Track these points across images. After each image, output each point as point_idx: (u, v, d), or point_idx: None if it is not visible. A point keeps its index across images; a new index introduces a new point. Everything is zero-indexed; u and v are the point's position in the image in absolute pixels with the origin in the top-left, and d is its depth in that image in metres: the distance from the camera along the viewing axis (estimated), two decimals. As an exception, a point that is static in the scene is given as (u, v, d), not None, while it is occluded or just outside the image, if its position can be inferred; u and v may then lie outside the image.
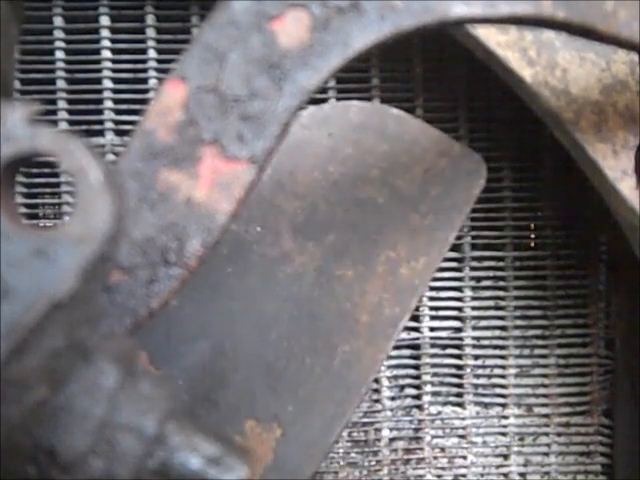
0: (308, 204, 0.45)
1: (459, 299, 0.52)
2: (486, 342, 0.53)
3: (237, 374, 0.43)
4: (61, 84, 0.50)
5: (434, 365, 0.53)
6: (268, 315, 0.44)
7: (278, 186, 0.45)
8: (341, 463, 0.53)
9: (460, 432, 0.53)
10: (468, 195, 0.45)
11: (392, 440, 0.53)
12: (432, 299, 0.52)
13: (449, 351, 0.53)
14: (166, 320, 0.43)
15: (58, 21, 0.49)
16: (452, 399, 0.53)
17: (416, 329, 0.52)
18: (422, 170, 0.45)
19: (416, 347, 0.52)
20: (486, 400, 0.53)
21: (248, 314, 0.44)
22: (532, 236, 0.53)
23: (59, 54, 0.49)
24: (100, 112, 0.50)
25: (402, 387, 0.53)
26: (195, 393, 0.43)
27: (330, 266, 0.44)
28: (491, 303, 0.53)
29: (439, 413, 0.53)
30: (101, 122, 0.50)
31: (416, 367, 0.53)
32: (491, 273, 0.52)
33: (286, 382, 0.43)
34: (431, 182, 0.45)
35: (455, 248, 0.52)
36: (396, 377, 0.53)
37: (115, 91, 0.50)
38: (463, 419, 0.53)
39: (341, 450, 0.52)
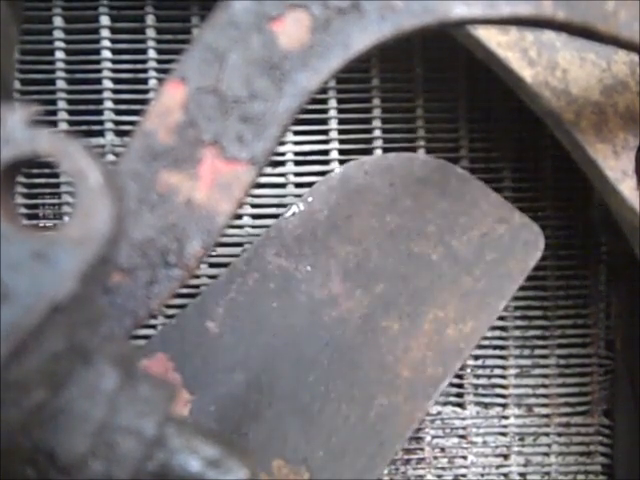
0: (361, 250, 0.44)
1: (459, 299, 0.52)
2: (486, 342, 0.53)
3: (270, 410, 0.42)
4: (61, 84, 0.50)
5: (434, 365, 0.53)
6: (308, 356, 0.43)
7: (333, 228, 0.44)
8: (341, 463, 0.53)
9: (460, 432, 0.53)
10: (523, 265, 0.45)
11: (392, 440, 0.53)
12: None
13: (449, 351, 0.53)
14: (205, 346, 0.43)
15: (58, 21, 0.49)
16: (452, 399, 0.53)
17: (416, 329, 0.52)
18: (479, 233, 0.45)
19: (416, 347, 0.52)
20: (486, 400, 0.53)
21: (288, 352, 0.43)
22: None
23: (59, 54, 0.49)
24: (100, 112, 0.50)
25: (402, 387, 0.53)
26: (225, 423, 0.42)
27: (376, 316, 0.44)
28: (491, 303, 0.53)
29: (439, 413, 0.53)
30: (101, 122, 0.50)
31: (416, 367, 0.53)
32: (491, 273, 0.52)
33: (319, 427, 0.42)
34: (487, 247, 0.44)
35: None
36: (396, 377, 0.53)
37: (115, 91, 0.50)
38: (463, 419, 0.53)
39: (341, 450, 0.52)
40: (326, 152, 0.51)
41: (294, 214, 0.45)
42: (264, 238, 0.45)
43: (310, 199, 0.45)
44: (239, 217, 0.50)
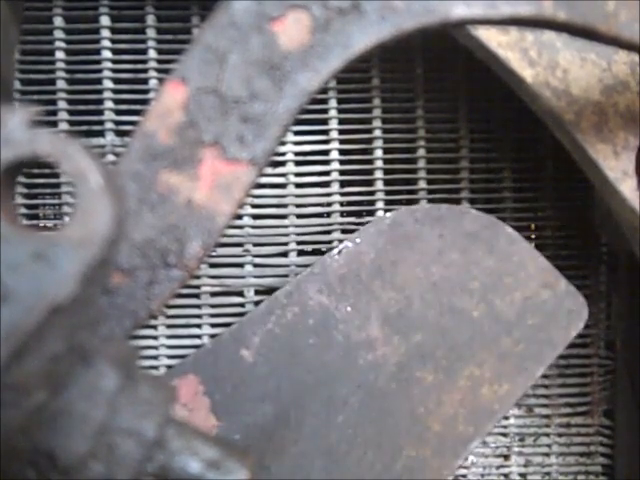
0: (403, 298, 0.44)
1: (459, 299, 0.52)
2: (486, 342, 0.53)
3: (296, 447, 0.42)
4: (61, 84, 0.50)
5: (434, 365, 0.52)
6: (339, 397, 0.43)
7: (378, 272, 0.44)
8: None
9: (460, 432, 0.53)
10: (565, 334, 0.44)
11: (392, 440, 0.53)
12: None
13: (449, 351, 0.53)
14: (237, 374, 0.43)
15: (58, 21, 0.49)
16: (452, 399, 0.53)
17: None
18: (523, 296, 0.44)
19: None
20: (486, 400, 0.53)
21: (319, 390, 0.43)
22: (532, 236, 0.53)
23: (59, 54, 0.49)
24: (100, 112, 0.50)
25: (402, 387, 0.53)
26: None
27: (411, 365, 0.43)
28: (491, 303, 0.53)
29: (439, 413, 0.53)
30: (101, 122, 0.50)
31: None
32: (491, 273, 0.52)
33: (344, 470, 0.42)
34: (530, 311, 0.44)
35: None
36: (396, 377, 0.53)
37: (115, 91, 0.50)
38: (463, 419, 0.53)
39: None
40: (326, 152, 0.51)
41: (340, 252, 0.45)
42: (308, 273, 0.45)
43: (358, 240, 0.45)
44: (239, 217, 0.50)
